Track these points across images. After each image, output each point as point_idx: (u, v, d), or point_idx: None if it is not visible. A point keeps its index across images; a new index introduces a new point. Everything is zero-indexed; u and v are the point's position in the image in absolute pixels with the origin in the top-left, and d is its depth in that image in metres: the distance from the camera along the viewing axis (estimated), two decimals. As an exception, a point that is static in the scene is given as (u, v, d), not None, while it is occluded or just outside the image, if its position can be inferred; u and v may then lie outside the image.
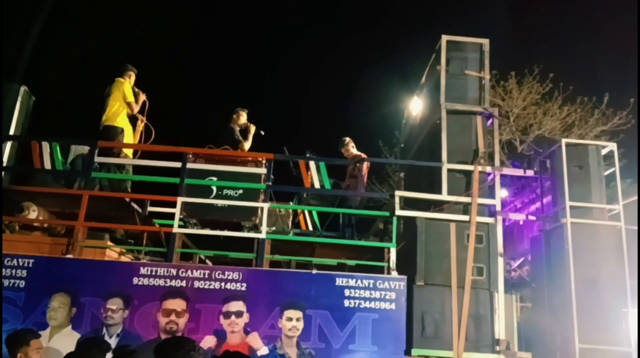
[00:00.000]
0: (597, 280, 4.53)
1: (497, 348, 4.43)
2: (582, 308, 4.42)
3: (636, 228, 5.05)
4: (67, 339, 4.31)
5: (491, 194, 4.99)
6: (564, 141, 4.98)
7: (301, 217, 6.27)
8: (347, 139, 6.28)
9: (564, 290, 4.54)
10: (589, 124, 12.55)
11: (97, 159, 5.16)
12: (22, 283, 4.45)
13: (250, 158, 5.20)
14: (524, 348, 5.08)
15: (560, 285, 4.62)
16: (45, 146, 5.59)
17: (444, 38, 5.40)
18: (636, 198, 5.95)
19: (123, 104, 5.74)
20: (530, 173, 5.26)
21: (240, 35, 23.88)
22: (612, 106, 12.38)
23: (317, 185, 5.63)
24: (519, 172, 5.33)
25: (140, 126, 6.10)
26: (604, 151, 5.04)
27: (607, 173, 5.03)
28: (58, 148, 5.71)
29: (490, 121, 5.26)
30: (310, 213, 6.24)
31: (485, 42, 5.40)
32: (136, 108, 5.83)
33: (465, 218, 4.76)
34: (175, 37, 18.29)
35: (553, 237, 4.93)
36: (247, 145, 6.03)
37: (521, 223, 5.70)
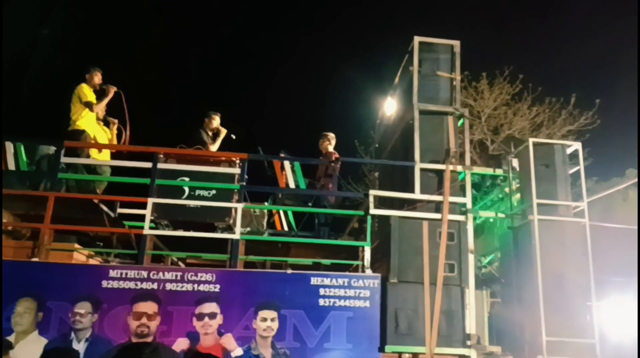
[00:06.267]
0: (563, 274, 4.66)
1: (468, 342, 4.52)
2: (549, 302, 4.54)
3: (599, 224, 5.26)
4: (34, 345, 4.16)
5: (462, 192, 5.10)
6: (531, 140, 5.11)
7: (276, 217, 6.24)
8: (332, 134, 6.32)
9: (531, 285, 4.67)
10: (557, 124, 12.99)
11: (64, 159, 5.00)
12: (-16, 289, 4.28)
13: (223, 158, 5.14)
14: (494, 342, 5.21)
15: (528, 280, 4.75)
16: (9, 146, 5.39)
17: (417, 39, 5.48)
18: (600, 195, 6.19)
19: (83, 107, 5.62)
20: (499, 171, 5.40)
21: (213, 32, 23.60)
22: (578, 107, 12.87)
23: (292, 185, 5.62)
24: (489, 171, 5.47)
25: (113, 128, 5.98)
26: (569, 150, 5.20)
27: (572, 171, 5.20)
28: (22, 148, 5.51)
29: (460, 120, 5.37)
30: (285, 213, 6.22)
31: (456, 43, 5.50)
32: (97, 107, 5.69)
33: (438, 216, 4.84)
34: (147, 33, 17.93)
35: (521, 234, 5.06)
36: (214, 148, 5.97)
37: (491, 220, 5.83)
